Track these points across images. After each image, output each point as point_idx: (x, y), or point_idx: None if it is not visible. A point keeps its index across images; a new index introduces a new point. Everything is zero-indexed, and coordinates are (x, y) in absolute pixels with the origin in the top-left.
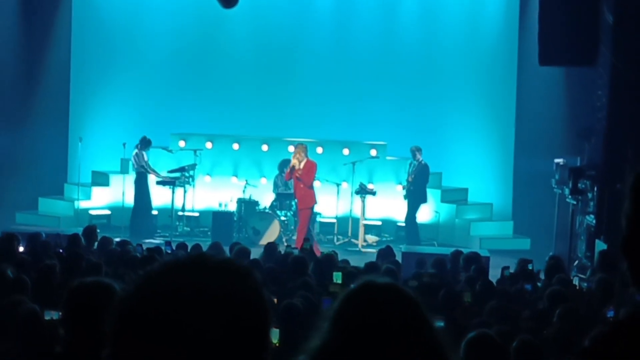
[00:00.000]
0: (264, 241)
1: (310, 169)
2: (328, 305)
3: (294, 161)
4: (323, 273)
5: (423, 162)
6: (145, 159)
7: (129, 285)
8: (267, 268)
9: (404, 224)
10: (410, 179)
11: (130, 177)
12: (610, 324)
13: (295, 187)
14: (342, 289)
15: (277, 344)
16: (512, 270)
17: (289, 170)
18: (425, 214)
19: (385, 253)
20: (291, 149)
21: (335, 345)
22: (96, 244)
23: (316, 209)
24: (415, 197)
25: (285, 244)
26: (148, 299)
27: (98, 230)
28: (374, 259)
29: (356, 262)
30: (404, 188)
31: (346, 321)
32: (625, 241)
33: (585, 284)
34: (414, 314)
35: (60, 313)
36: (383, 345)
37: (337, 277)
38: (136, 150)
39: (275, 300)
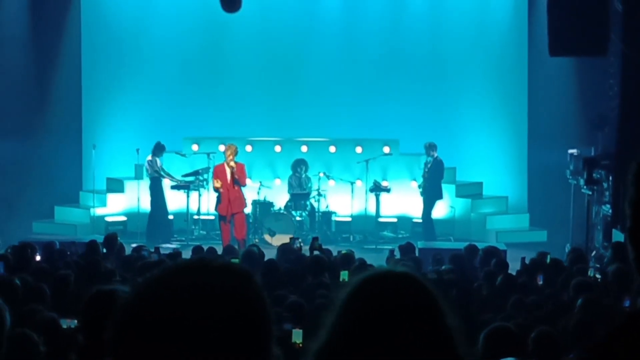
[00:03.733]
0: (279, 242)
1: (242, 169)
2: None
3: (232, 164)
4: (336, 273)
5: (438, 158)
6: (159, 164)
7: (130, 291)
8: (284, 268)
9: (420, 221)
10: (426, 175)
11: (145, 183)
12: (625, 315)
13: (229, 190)
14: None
15: (300, 344)
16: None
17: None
18: (440, 210)
19: (406, 249)
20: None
21: (344, 331)
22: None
23: (331, 208)
24: (430, 194)
25: (295, 244)
26: (149, 304)
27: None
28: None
29: (373, 260)
30: (419, 186)
31: (357, 308)
32: (631, 231)
33: (599, 275)
34: (428, 304)
35: (78, 321)
36: (393, 334)
37: (344, 275)
38: (150, 157)
39: (296, 300)
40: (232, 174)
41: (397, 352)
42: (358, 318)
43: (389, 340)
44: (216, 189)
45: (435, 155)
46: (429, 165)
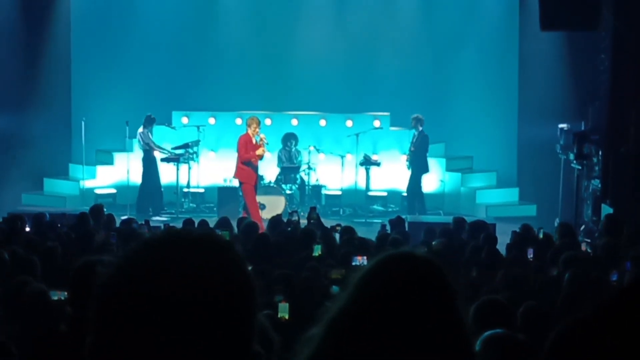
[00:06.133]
0: (269, 215)
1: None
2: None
3: (262, 135)
4: (333, 244)
5: (423, 132)
6: (150, 136)
7: (108, 267)
8: (273, 241)
9: (408, 195)
10: (412, 149)
11: (134, 155)
12: (615, 292)
13: (254, 162)
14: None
15: (287, 318)
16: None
17: (261, 144)
18: (431, 183)
19: (396, 223)
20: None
21: (355, 312)
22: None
23: (321, 181)
24: (417, 168)
25: (293, 217)
26: (128, 280)
27: (105, 209)
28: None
29: (363, 233)
30: (407, 158)
31: (373, 286)
32: None
33: (590, 249)
34: (443, 292)
35: (68, 292)
36: (405, 316)
37: (317, 249)
38: (141, 129)
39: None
40: (261, 144)
41: (407, 334)
42: (372, 296)
43: (400, 321)
44: (257, 158)
45: (421, 129)
46: (414, 139)
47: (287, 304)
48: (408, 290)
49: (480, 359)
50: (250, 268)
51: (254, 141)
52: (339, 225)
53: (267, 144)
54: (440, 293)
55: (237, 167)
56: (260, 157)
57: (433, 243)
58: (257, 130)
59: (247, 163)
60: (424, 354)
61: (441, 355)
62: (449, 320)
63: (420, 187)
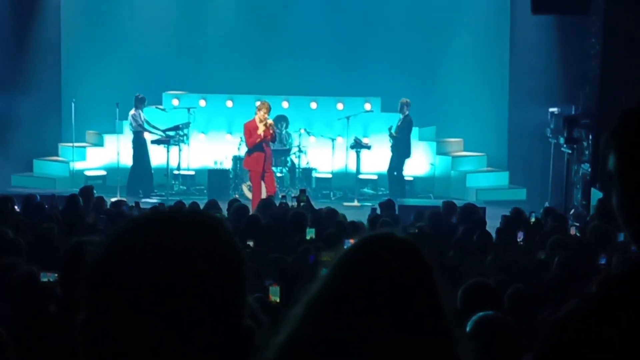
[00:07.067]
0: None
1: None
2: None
3: (269, 121)
4: (322, 227)
5: (409, 116)
6: (143, 117)
7: (97, 247)
8: (264, 224)
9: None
10: (394, 134)
11: (125, 137)
12: (607, 278)
13: (266, 147)
14: (318, 248)
15: (278, 301)
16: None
17: (271, 130)
18: (421, 167)
19: (386, 206)
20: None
21: (333, 292)
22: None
23: (311, 164)
24: (399, 152)
25: (282, 200)
26: (116, 258)
27: (95, 191)
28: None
29: (353, 216)
30: (390, 137)
31: (351, 269)
32: (622, 206)
33: (579, 232)
34: (425, 275)
35: (58, 273)
36: (383, 297)
37: (310, 232)
38: (133, 111)
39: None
40: (269, 129)
41: (383, 314)
42: (349, 276)
43: (377, 301)
44: (256, 143)
45: (407, 113)
46: (399, 123)
47: (277, 287)
48: (385, 271)
49: (470, 340)
50: (249, 244)
51: (260, 128)
52: (327, 208)
53: (277, 130)
54: (419, 274)
55: (245, 157)
56: (265, 136)
57: (417, 225)
58: (266, 115)
59: (254, 149)
60: (399, 334)
61: (417, 336)
62: (426, 301)
63: (402, 170)
